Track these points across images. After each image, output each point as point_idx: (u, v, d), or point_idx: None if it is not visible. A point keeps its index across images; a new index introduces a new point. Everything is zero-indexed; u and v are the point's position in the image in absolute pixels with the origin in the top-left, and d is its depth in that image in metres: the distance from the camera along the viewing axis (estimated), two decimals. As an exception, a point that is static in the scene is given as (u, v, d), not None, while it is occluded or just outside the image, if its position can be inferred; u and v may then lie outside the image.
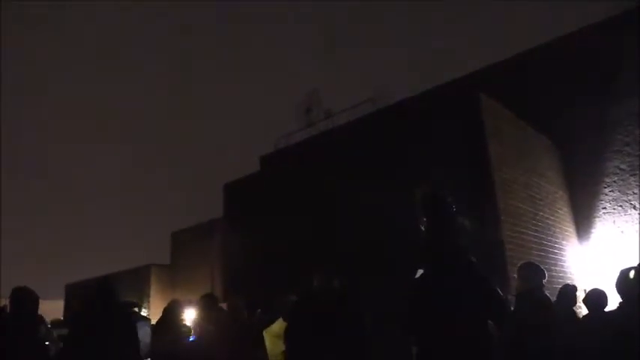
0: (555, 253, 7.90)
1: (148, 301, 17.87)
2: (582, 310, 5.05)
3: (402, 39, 69.43)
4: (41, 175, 64.41)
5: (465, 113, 7.47)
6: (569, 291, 5.07)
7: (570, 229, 8.98)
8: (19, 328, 4.06)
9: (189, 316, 7.62)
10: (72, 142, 69.73)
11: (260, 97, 72.07)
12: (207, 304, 5.62)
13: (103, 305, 4.40)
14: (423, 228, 2.87)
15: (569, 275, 7.95)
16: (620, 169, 9.01)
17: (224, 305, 6.09)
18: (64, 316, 17.62)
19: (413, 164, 7.57)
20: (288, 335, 4.55)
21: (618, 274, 4.51)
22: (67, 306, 21.13)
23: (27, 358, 3.97)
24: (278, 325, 5.19)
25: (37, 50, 68.07)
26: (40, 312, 4.61)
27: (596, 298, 4.80)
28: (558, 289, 5.19)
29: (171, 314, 6.09)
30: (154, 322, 6.60)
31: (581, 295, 5.20)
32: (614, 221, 8.90)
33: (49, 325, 7.87)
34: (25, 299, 4.25)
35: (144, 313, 15.26)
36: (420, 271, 2.83)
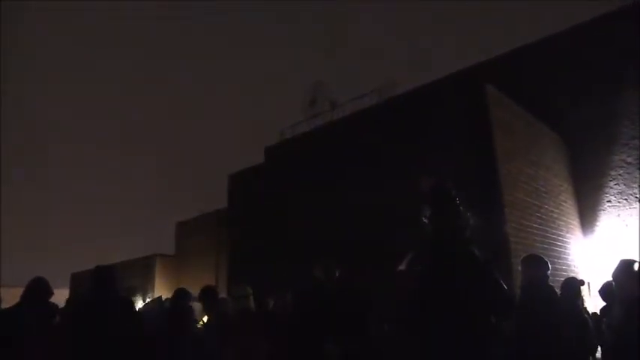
0: (559, 246, 7.89)
1: (153, 291, 17.97)
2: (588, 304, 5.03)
3: (409, 29, 69.01)
4: (48, 166, 64.69)
5: (471, 105, 7.44)
6: (573, 284, 5.04)
7: (575, 222, 8.97)
8: (33, 317, 4.14)
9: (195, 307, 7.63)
10: (80, 136, 69.96)
11: (266, 88, 71.95)
12: (209, 296, 5.66)
13: (100, 290, 4.42)
14: (425, 220, 2.80)
15: (572, 268, 7.95)
16: (626, 162, 8.97)
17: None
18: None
19: (418, 155, 7.55)
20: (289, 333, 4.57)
21: (619, 264, 4.41)
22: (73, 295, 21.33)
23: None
24: None
25: (37, 49, 68.12)
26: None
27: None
28: (562, 282, 5.16)
29: (182, 300, 6.05)
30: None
31: (585, 288, 5.17)
32: (618, 214, 8.88)
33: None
34: (41, 290, 4.39)
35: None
36: (407, 260, 2.77)
